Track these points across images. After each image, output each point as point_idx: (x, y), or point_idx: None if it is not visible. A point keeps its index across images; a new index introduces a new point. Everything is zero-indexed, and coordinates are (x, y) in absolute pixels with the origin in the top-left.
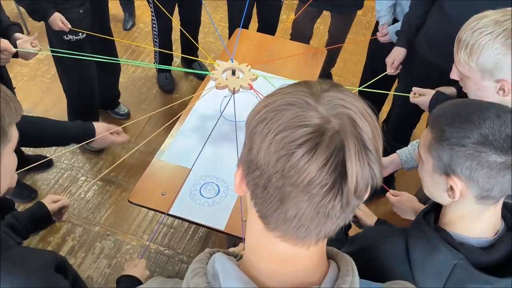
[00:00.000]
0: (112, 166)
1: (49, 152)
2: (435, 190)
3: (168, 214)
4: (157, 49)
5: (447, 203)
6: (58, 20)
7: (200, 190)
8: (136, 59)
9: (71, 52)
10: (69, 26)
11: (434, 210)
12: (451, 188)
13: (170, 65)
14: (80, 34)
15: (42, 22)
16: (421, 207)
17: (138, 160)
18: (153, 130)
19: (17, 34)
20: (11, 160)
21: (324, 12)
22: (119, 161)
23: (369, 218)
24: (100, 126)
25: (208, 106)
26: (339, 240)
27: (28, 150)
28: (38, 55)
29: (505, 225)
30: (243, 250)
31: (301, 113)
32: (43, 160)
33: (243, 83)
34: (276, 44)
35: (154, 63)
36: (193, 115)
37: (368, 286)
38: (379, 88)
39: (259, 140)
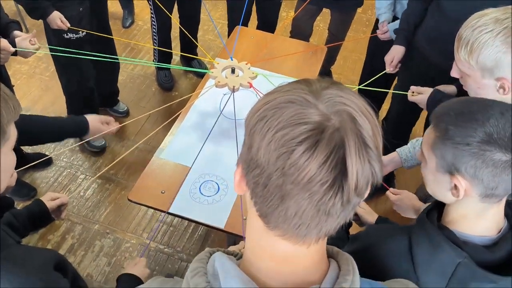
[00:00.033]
0: (111, 164)
1: (48, 150)
2: (438, 189)
3: (168, 213)
4: (156, 47)
5: (450, 202)
6: (57, 18)
7: (199, 188)
8: (135, 57)
9: (69, 50)
10: (68, 25)
11: (437, 208)
12: (455, 187)
13: (169, 63)
14: (80, 32)
15: (41, 20)
16: (421, 205)
17: (138, 158)
18: (152, 128)
19: (16, 32)
20: (10, 158)
21: (324, 9)
22: (118, 159)
23: (370, 215)
24: (92, 118)
25: (207, 104)
26: (340, 238)
27: (27, 149)
28: (37, 53)
29: (508, 223)
30: (243, 248)
31: (301, 110)
32: (43, 159)
33: (242, 82)
34: (275, 42)
35: (153, 61)
36: (193, 113)
37: (370, 285)
38: (379, 86)
39: (259, 138)
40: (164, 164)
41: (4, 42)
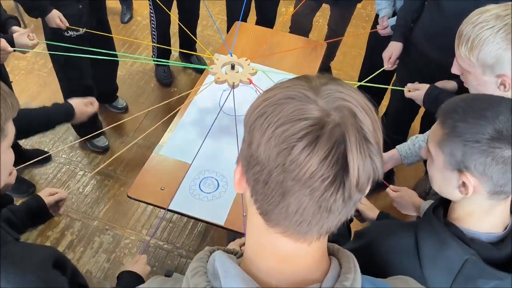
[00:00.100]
0: (110, 160)
1: (47, 146)
2: (446, 186)
3: (168, 210)
4: (155, 44)
5: (457, 199)
6: (56, 17)
7: (199, 185)
8: (133, 53)
9: (69, 46)
10: (67, 24)
11: (442, 205)
12: (463, 184)
13: (168, 58)
14: (80, 29)
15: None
16: (421, 202)
17: (137, 154)
18: (151, 124)
19: (14, 28)
20: (8, 156)
21: (324, 5)
22: (117, 155)
23: (371, 211)
24: (76, 102)
25: (207, 100)
26: (341, 235)
27: (25, 145)
28: (35, 48)
29: None
30: (242, 244)
31: (301, 106)
32: (42, 156)
33: (242, 78)
34: (275, 37)
35: (152, 57)
36: (192, 109)
37: (371, 282)
38: (378, 82)
39: (259, 134)
40: (163, 160)
41: (3, 42)
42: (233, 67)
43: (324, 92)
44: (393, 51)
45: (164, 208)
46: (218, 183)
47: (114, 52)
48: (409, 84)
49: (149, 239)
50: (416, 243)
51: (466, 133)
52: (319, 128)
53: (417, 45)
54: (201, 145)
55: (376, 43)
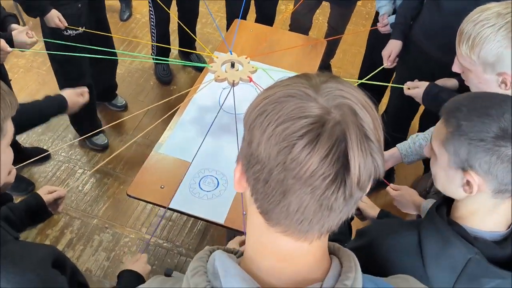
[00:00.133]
0: (109, 158)
1: (46, 144)
2: (449, 184)
3: (168, 208)
4: (155, 43)
5: (461, 198)
6: (55, 17)
7: (199, 184)
8: (133, 51)
9: (69, 44)
10: (66, 24)
11: (445, 203)
12: (468, 183)
13: (168, 56)
14: (80, 28)
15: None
16: (421, 201)
17: (136, 153)
18: (151, 122)
19: (13, 25)
20: (7, 154)
21: (324, 2)
22: (116, 153)
23: (371, 209)
24: (69, 93)
25: (207, 98)
26: (343, 233)
27: (24, 143)
28: (34, 46)
29: None
30: (242, 241)
31: (301, 104)
32: (42, 155)
33: (242, 76)
34: (275, 35)
35: (151, 55)
36: (192, 107)
37: (372, 281)
38: (378, 80)
39: (259, 133)
40: (163, 159)
41: (2, 42)
42: (233, 65)
43: (324, 90)
44: (392, 49)
45: (164, 207)
46: (218, 181)
47: (114, 50)
48: (408, 82)
49: (149, 238)
50: (419, 242)
51: (470, 131)
52: (320, 126)
53: (416, 42)
54: (201, 144)
55: (376, 41)
